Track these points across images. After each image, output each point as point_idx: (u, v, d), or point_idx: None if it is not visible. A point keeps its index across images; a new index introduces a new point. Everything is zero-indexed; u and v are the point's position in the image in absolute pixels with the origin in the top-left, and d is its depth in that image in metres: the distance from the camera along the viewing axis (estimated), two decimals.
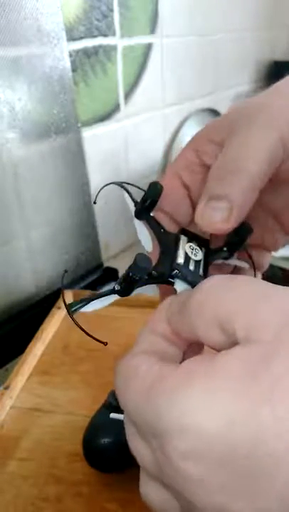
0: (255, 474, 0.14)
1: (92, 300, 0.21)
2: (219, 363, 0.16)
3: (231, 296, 0.17)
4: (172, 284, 0.22)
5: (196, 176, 0.25)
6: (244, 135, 0.22)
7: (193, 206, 0.25)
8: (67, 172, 0.61)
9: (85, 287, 0.66)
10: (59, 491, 0.35)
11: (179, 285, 0.22)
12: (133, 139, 0.79)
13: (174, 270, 0.22)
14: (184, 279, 0.22)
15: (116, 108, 0.74)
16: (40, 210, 0.59)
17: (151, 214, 0.25)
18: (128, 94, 0.75)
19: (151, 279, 0.22)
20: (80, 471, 0.36)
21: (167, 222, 0.25)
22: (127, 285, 0.21)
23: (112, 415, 0.34)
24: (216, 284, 0.18)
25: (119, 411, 0.34)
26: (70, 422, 0.41)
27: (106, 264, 0.72)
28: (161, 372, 0.17)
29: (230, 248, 0.24)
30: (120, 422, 0.34)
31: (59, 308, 0.57)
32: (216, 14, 0.94)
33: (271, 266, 0.86)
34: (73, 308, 0.21)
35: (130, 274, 0.20)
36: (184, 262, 0.23)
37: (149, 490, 0.18)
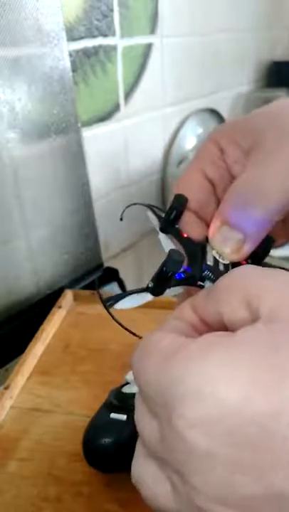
0: (266, 448, 0.14)
1: (126, 296, 0.21)
2: (240, 336, 0.15)
3: (260, 278, 0.18)
4: (202, 286, 0.22)
5: (222, 171, 0.24)
6: (270, 159, 0.21)
7: (218, 203, 0.24)
8: (67, 172, 0.61)
9: (85, 287, 0.66)
10: (59, 491, 0.35)
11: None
12: (133, 139, 0.79)
13: (204, 271, 0.22)
14: (214, 281, 0.22)
15: (116, 108, 0.74)
16: (40, 210, 0.59)
17: (177, 226, 0.24)
18: (128, 94, 0.75)
19: (182, 281, 0.22)
20: (80, 471, 0.36)
21: (194, 220, 0.24)
22: (161, 282, 0.21)
23: (112, 415, 0.34)
24: (245, 269, 0.19)
25: (120, 411, 0.34)
26: (70, 422, 0.41)
27: (106, 264, 0.72)
28: (181, 343, 0.17)
29: (255, 260, 0.24)
30: (120, 422, 0.34)
31: (59, 307, 0.57)
32: (216, 14, 0.94)
33: (271, 266, 0.87)
34: (108, 303, 0.21)
35: (164, 269, 0.20)
36: (214, 264, 0.23)
37: (144, 469, 0.17)
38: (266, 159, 0.21)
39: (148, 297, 0.21)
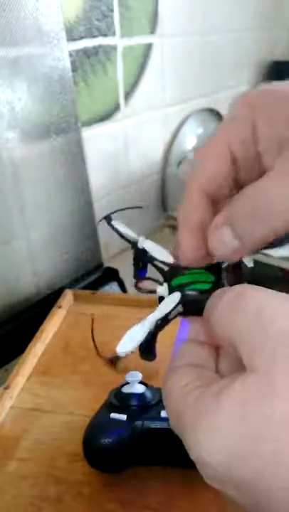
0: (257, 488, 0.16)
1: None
2: (223, 401, 0.17)
3: (236, 319, 0.18)
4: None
5: (250, 155, 0.21)
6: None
7: (237, 187, 0.22)
8: (67, 172, 0.61)
9: (85, 287, 0.66)
10: (59, 491, 0.35)
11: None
12: (133, 139, 0.79)
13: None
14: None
15: (116, 108, 0.74)
16: (40, 210, 0.59)
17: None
18: (128, 94, 0.75)
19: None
20: (80, 471, 0.36)
21: (204, 203, 0.22)
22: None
23: (112, 415, 0.34)
24: (224, 303, 0.19)
25: (120, 411, 0.34)
26: (70, 422, 0.41)
27: (106, 264, 0.72)
28: (184, 403, 0.18)
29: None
30: (120, 422, 0.34)
31: (59, 307, 0.57)
32: (216, 14, 0.94)
33: (271, 266, 0.86)
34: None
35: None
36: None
37: None
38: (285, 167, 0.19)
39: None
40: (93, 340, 0.22)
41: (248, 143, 0.21)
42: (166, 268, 0.24)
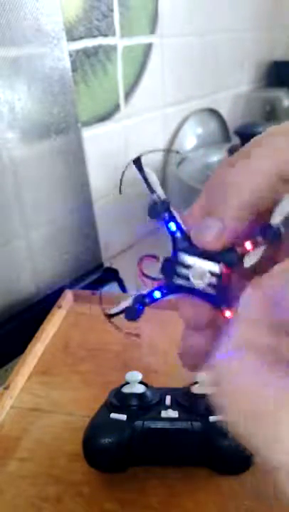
0: None
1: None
2: None
3: None
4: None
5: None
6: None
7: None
8: (67, 172, 0.61)
9: (85, 287, 0.66)
10: (59, 491, 0.35)
11: None
12: (133, 139, 0.79)
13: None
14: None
15: (116, 108, 0.74)
16: (40, 210, 0.59)
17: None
18: (128, 94, 0.75)
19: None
20: (80, 471, 0.36)
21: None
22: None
23: (112, 415, 0.34)
24: None
25: (120, 411, 0.34)
26: (70, 422, 0.41)
27: (106, 264, 0.72)
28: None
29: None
30: (120, 422, 0.34)
31: (59, 307, 0.57)
32: (216, 14, 0.94)
33: None
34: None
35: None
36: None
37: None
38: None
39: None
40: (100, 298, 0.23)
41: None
42: (179, 235, 0.22)
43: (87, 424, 0.36)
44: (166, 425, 0.33)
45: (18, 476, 0.36)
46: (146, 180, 0.23)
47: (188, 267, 0.22)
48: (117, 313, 0.23)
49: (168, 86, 0.86)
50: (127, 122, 0.77)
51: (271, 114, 1.15)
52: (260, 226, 0.21)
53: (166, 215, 0.22)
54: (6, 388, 0.44)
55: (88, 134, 0.68)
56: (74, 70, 0.61)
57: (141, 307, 0.23)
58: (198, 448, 0.33)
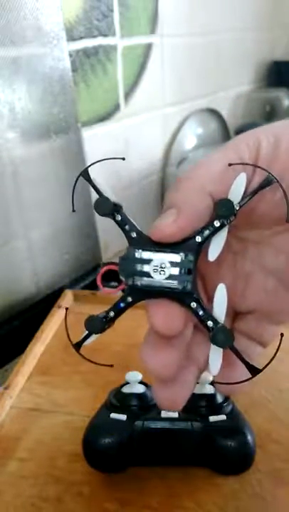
0: None
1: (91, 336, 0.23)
2: None
3: None
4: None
5: None
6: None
7: None
8: (67, 172, 0.61)
9: (85, 287, 0.66)
10: (59, 491, 0.35)
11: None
12: (133, 139, 0.79)
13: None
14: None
15: (116, 108, 0.74)
16: (40, 210, 0.59)
17: None
18: (128, 94, 0.75)
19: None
20: (80, 471, 0.36)
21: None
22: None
23: (112, 415, 0.34)
24: None
25: (120, 411, 0.34)
26: (70, 422, 0.41)
27: None
28: None
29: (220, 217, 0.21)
30: (120, 422, 0.34)
31: (59, 307, 0.57)
32: (216, 14, 0.95)
33: None
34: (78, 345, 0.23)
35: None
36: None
37: None
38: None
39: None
40: (67, 331, 0.23)
41: None
42: (134, 235, 0.22)
43: (87, 424, 0.36)
44: (166, 425, 0.33)
45: (18, 476, 0.36)
46: (96, 188, 0.23)
47: (147, 262, 0.21)
48: (83, 340, 0.23)
49: (168, 86, 0.86)
50: (127, 122, 0.77)
51: (271, 114, 1.15)
52: (214, 202, 0.20)
53: (120, 216, 0.22)
54: (6, 388, 0.44)
55: (88, 134, 0.68)
56: (74, 70, 0.61)
57: (105, 320, 0.23)
58: (198, 448, 0.33)
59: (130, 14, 0.70)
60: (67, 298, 0.59)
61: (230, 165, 0.20)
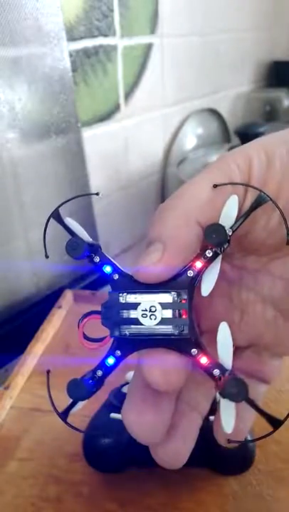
0: None
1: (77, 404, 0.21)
2: None
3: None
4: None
5: None
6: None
7: None
8: (67, 172, 0.61)
9: (85, 287, 0.66)
10: (59, 491, 0.35)
11: None
12: (133, 139, 0.79)
13: None
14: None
15: (116, 108, 0.74)
16: (40, 210, 0.59)
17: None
18: (128, 94, 0.75)
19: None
20: (80, 471, 0.36)
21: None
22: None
23: (112, 415, 0.34)
24: None
25: (120, 411, 0.34)
26: (70, 422, 0.41)
27: None
28: None
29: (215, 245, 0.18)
30: (120, 422, 0.34)
31: (59, 307, 0.57)
32: (216, 14, 0.94)
33: None
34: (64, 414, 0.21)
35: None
36: None
37: None
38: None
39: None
40: (49, 395, 0.21)
41: None
42: (116, 277, 0.19)
43: (87, 425, 0.36)
44: None
45: (18, 476, 0.36)
46: (68, 228, 0.21)
47: (134, 306, 0.18)
48: (69, 408, 0.21)
49: (168, 86, 0.86)
50: (127, 122, 0.77)
51: (271, 114, 1.15)
52: (204, 229, 0.18)
53: (98, 258, 0.20)
54: (6, 388, 0.44)
55: (88, 134, 0.68)
56: (74, 70, 0.61)
57: (92, 382, 0.20)
58: (198, 448, 0.33)
59: (130, 14, 0.70)
60: (67, 298, 0.59)
61: (215, 186, 0.18)
